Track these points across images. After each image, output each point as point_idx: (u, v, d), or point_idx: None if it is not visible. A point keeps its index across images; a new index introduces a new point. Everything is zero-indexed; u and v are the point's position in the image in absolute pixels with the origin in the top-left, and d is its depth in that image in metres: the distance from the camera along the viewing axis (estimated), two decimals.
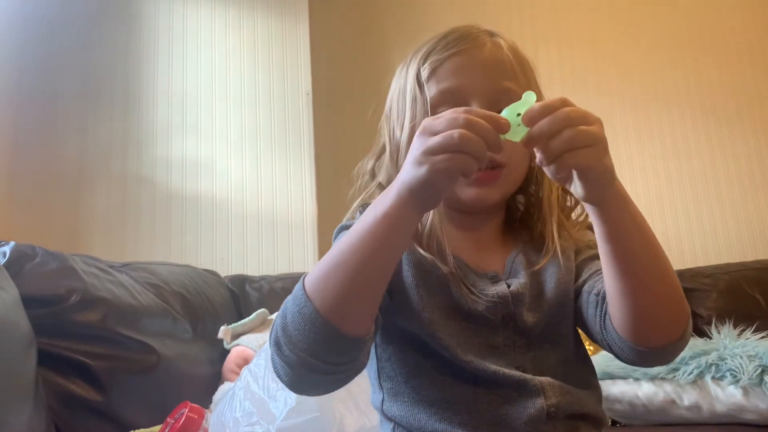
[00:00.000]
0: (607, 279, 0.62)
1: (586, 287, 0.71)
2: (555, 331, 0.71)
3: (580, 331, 0.76)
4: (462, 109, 0.55)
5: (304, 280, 0.60)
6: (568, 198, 0.78)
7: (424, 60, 0.74)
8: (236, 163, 2.29)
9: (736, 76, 2.45)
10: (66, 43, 2.09)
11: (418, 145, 0.54)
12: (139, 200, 2.10)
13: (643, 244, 0.60)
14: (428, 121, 0.55)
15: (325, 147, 2.44)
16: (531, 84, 0.75)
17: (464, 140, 0.52)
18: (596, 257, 0.74)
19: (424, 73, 0.73)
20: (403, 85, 0.76)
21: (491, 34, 0.75)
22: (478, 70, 0.72)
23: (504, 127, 0.54)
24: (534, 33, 2.61)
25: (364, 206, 0.75)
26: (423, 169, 0.53)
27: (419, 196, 0.54)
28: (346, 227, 0.72)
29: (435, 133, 0.53)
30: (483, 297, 0.69)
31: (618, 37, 2.59)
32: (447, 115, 0.54)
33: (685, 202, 2.41)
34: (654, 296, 0.61)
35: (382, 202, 0.56)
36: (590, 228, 0.79)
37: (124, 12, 2.25)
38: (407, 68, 0.77)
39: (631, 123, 2.49)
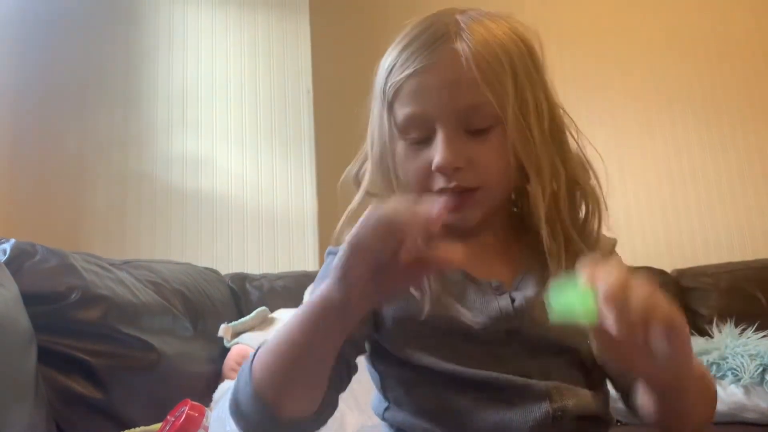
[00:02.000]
0: (648, 405, 0.63)
1: None
2: (565, 342, 0.68)
3: None
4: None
5: (256, 353, 0.61)
6: (577, 196, 0.71)
7: (387, 77, 0.69)
8: (237, 161, 2.29)
9: (738, 74, 2.44)
10: (66, 39, 2.09)
11: (337, 258, 0.55)
12: (139, 197, 2.10)
13: (696, 388, 0.60)
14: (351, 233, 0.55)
15: (325, 145, 2.44)
16: (507, 88, 0.65)
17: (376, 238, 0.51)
18: None
19: (389, 93, 0.68)
20: (376, 96, 0.72)
21: (456, 34, 0.66)
22: (436, 92, 0.65)
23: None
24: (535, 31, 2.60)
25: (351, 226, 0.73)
26: (347, 284, 0.54)
27: (348, 306, 0.56)
28: (334, 252, 0.69)
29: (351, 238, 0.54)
30: (485, 315, 0.66)
31: (620, 35, 2.58)
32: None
33: (687, 200, 2.41)
34: (696, 415, 0.63)
35: (313, 309, 0.57)
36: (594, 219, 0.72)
37: (125, 8, 2.25)
38: (379, 75, 0.72)
39: (632, 121, 2.48)
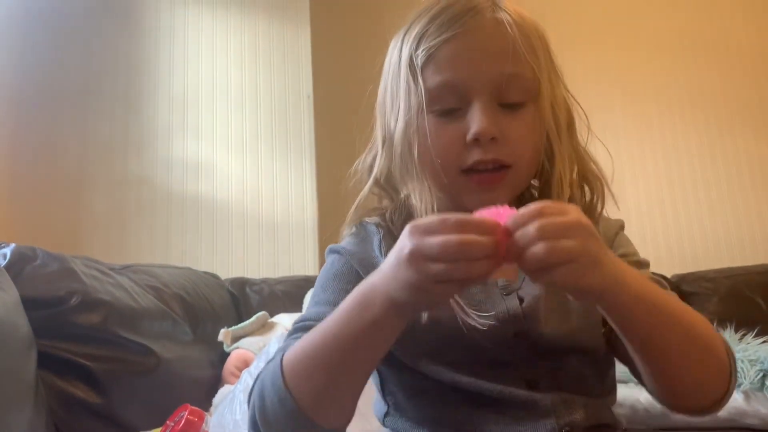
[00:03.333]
0: (630, 361, 0.60)
1: None
2: (578, 342, 0.65)
3: None
4: (453, 222, 0.47)
5: (282, 362, 0.57)
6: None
7: (417, 43, 0.66)
8: (237, 166, 2.29)
9: (738, 77, 2.44)
10: (67, 43, 2.09)
11: (412, 269, 0.48)
12: (140, 202, 2.10)
13: (664, 330, 0.54)
14: (418, 240, 0.48)
15: (325, 149, 2.44)
16: (541, 61, 0.65)
17: (468, 269, 0.46)
18: None
19: (419, 60, 0.65)
20: (396, 70, 0.69)
21: (494, 5, 0.65)
22: (478, 58, 0.63)
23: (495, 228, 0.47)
24: None
25: (360, 222, 0.71)
26: (427, 295, 0.49)
27: (416, 311, 0.53)
28: (336, 251, 0.69)
29: (431, 258, 0.47)
30: (491, 318, 0.62)
31: (620, 40, 2.59)
32: (438, 239, 0.46)
33: (687, 205, 2.41)
34: (687, 372, 0.57)
35: (368, 310, 0.52)
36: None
37: (126, 12, 2.25)
38: (400, 49, 0.69)
39: (632, 125, 2.49)
